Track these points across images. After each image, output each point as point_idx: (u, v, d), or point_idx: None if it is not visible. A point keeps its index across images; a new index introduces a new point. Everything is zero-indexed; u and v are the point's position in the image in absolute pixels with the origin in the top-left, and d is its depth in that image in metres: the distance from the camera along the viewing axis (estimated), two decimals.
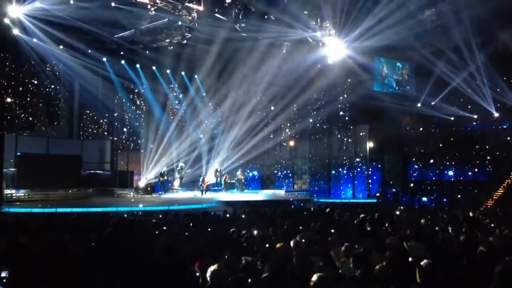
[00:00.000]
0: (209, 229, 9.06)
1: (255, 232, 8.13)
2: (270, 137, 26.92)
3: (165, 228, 9.46)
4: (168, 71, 24.90)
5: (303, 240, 6.83)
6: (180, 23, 18.70)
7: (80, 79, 22.87)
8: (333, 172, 26.59)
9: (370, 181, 25.85)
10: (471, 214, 12.69)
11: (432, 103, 25.15)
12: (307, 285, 4.37)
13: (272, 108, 26.73)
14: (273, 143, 27.13)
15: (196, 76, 25.36)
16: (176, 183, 24.84)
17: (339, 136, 26.71)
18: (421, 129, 26.53)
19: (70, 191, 21.07)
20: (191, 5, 17.85)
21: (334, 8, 19.79)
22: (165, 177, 23.54)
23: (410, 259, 5.97)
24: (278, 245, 6.56)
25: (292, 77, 23.87)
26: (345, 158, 26.39)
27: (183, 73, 25.11)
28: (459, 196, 23.73)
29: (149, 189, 22.93)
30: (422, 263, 4.88)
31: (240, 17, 18.85)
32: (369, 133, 25.75)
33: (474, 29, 20.70)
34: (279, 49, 22.23)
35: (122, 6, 17.52)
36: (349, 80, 25.42)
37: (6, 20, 17.93)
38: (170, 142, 24.97)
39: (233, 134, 25.36)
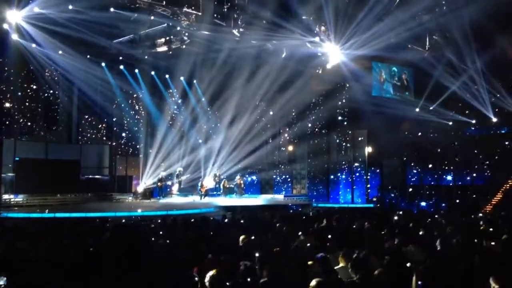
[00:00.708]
0: (207, 234, 9.04)
1: (254, 237, 8.11)
2: (269, 142, 26.95)
3: (163, 233, 9.44)
4: (167, 76, 24.93)
5: (302, 245, 6.83)
6: (179, 28, 18.75)
7: (79, 84, 22.85)
8: (332, 177, 26.62)
9: (368, 185, 25.86)
10: (469, 219, 12.70)
11: (431, 108, 25.20)
12: None
13: (271, 113, 26.77)
14: (272, 147, 27.15)
15: (194, 81, 25.40)
16: (175, 188, 24.82)
17: (337, 141, 26.76)
18: (419, 133, 26.55)
19: (68, 196, 21.03)
20: (189, 10, 17.92)
21: (333, 13, 19.84)
22: (164, 182, 23.52)
23: (408, 264, 5.97)
24: (276, 250, 6.56)
25: (291, 82, 23.91)
26: (343, 163, 26.42)
27: (182, 78, 25.13)
28: (457, 201, 23.73)
29: (147, 194, 22.90)
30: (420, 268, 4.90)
31: (239, 22, 18.92)
32: (367, 138, 25.78)
33: (473, 34, 20.75)
34: (277, 54, 22.27)
35: (121, 12, 17.58)
36: (348, 85, 25.46)
37: (5, 25, 17.95)
38: (169, 147, 24.95)
39: (231, 138, 25.35)
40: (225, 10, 18.69)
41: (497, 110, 24.22)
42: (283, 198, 24.46)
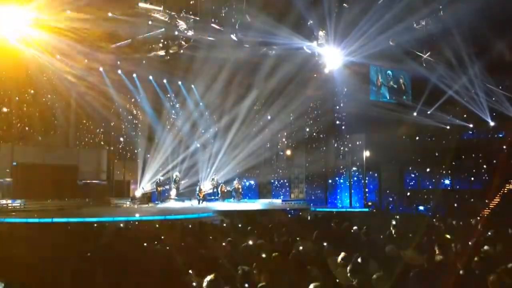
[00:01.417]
0: (205, 239, 9.02)
1: (251, 241, 8.10)
2: (267, 146, 26.94)
3: (161, 237, 9.42)
4: (165, 80, 24.91)
5: (300, 249, 6.82)
6: (176, 33, 18.76)
7: (77, 89, 22.78)
8: (330, 181, 26.60)
9: (366, 190, 25.85)
10: (467, 223, 12.69)
11: (428, 112, 25.24)
12: None
13: (269, 117, 26.77)
14: (270, 152, 27.14)
15: (192, 86, 25.39)
16: (173, 192, 24.77)
17: (335, 145, 26.74)
18: (417, 138, 26.58)
19: (66, 200, 20.96)
20: (187, 15, 17.94)
21: (330, 17, 19.90)
22: (162, 187, 23.48)
23: (407, 268, 5.96)
24: (274, 254, 6.55)
25: (289, 87, 23.93)
26: (341, 167, 26.41)
27: (180, 82, 25.14)
28: (455, 204, 23.72)
29: (145, 198, 22.85)
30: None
31: (237, 27, 18.95)
32: (365, 142, 25.79)
33: (470, 38, 20.83)
34: (275, 58, 22.28)
35: (119, 16, 17.58)
36: (345, 89, 25.48)
37: (2, 30, 17.90)
38: (167, 152, 24.92)
39: (229, 143, 25.35)
40: (223, 14, 18.71)
41: (494, 114, 24.29)
42: (281, 202, 24.43)
